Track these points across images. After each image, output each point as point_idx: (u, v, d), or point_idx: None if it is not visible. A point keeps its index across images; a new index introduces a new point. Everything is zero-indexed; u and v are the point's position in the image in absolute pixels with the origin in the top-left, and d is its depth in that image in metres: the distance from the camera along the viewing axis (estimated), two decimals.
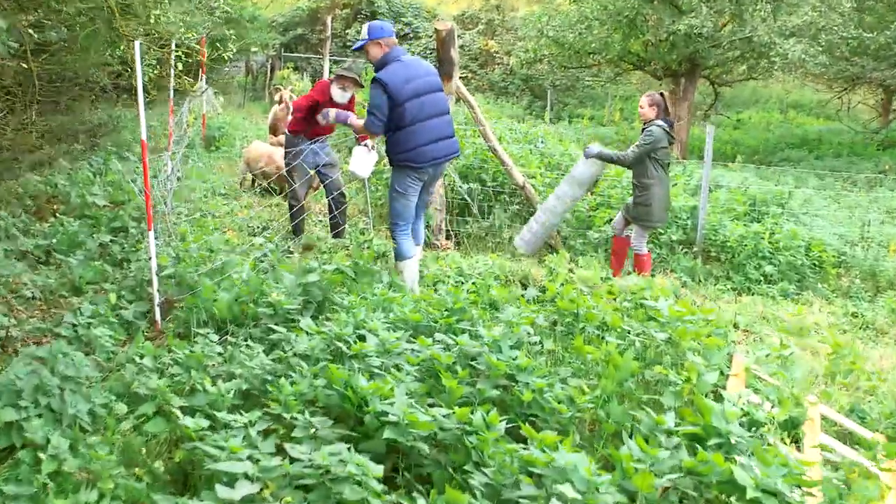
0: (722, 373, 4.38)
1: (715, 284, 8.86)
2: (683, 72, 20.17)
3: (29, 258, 7.04)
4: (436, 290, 6.63)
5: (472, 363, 3.91)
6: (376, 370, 3.80)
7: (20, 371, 3.79)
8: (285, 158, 8.26)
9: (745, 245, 9.24)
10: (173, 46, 9.13)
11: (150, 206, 5.48)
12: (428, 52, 31.97)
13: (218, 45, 14.75)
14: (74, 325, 5.14)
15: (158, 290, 5.59)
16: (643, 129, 8.06)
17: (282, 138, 12.16)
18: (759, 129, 27.80)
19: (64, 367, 3.90)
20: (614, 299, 5.24)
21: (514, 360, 3.80)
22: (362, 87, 8.39)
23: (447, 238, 8.87)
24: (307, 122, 8.09)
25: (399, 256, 6.49)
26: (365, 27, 6.47)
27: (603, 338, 4.39)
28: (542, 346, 4.20)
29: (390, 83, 6.13)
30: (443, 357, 3.84)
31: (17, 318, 5.76)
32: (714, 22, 17.59)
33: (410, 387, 3.61)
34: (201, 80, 13.28)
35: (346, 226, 8.56)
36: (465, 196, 9.35)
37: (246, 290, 5.38)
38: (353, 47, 7.65)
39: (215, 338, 4.66)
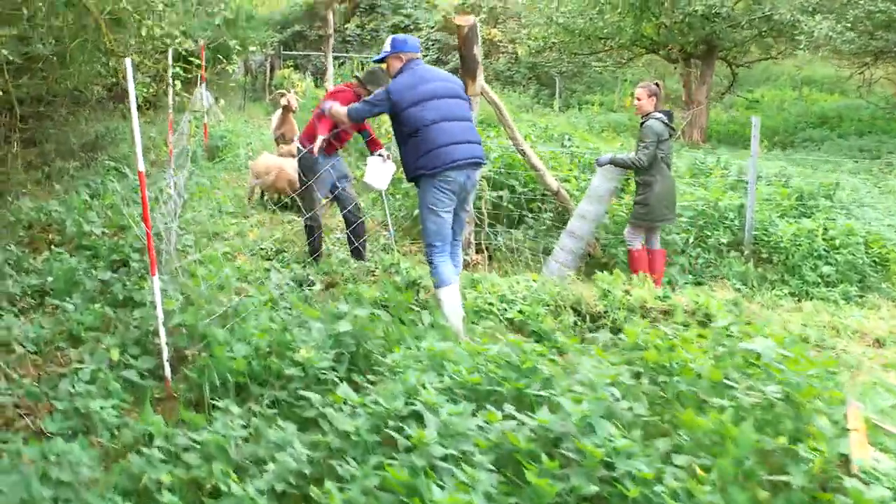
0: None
1: (771, 290, 8.12)
2: (699, 54, 19.39)
3: (22, 301, 6.34)
4: (478, 322, 5.94)
5: (558, 446, 3.18)
6: (441, 462, 3.07)
7: (3, 479, 3.08)
8: (301, 174, 7.53)
9: (799, 244, 8.49)
10: (170, 60, 8.43)
11: (152, 249, 4.76)
12: (430, 42, 31.20)
13: (219, 54, 14.04)
14: (72, 393, 4.43)
15: (167, 343, 4.87)
16: (641, 124, 7.59)
17: (291, 148, 11.45)
18: (773, 108, 26.97)
19: (58, 471, 3.18)
20: (700, 335, 4.49)
21: (610, 441, 3.08)
22: None
23: (477, 252, 8.14)
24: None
25: (438, 283, 5.79)
26: (389, 39, 6.08)
27: (702, 398, 3.65)
28: (635, 413, 3.46)
29: (393, 87, 5.82)
30: (521, 440, 3.12)
31: (9, 377, 5.06)
32: (733, 1, 16.77)
33: (488, 488, 2.88)
34: (200, 86, 12.54)
35: (367, 242, 7.85)
36: (492, 205, 8.61)
37: (266, 339, 4.67)
38: (373, 58, 6.96)
39: (236, 409, 3.95)
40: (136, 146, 4.69)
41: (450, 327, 5.34)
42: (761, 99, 28.92)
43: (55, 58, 8.22)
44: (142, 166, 4.69)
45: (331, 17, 18.10)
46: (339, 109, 6.21)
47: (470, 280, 6.63)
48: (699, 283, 8.18)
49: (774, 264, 8.59)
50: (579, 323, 6.03)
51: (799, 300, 8.01)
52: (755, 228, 8.77)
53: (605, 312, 6.04)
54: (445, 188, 5.72)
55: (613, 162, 7.72)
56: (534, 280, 7.01)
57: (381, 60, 6.10)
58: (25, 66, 8.01)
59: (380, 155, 7.34)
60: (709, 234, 8.64)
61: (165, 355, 4.86)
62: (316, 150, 6.94)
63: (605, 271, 8.26)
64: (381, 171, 6.81)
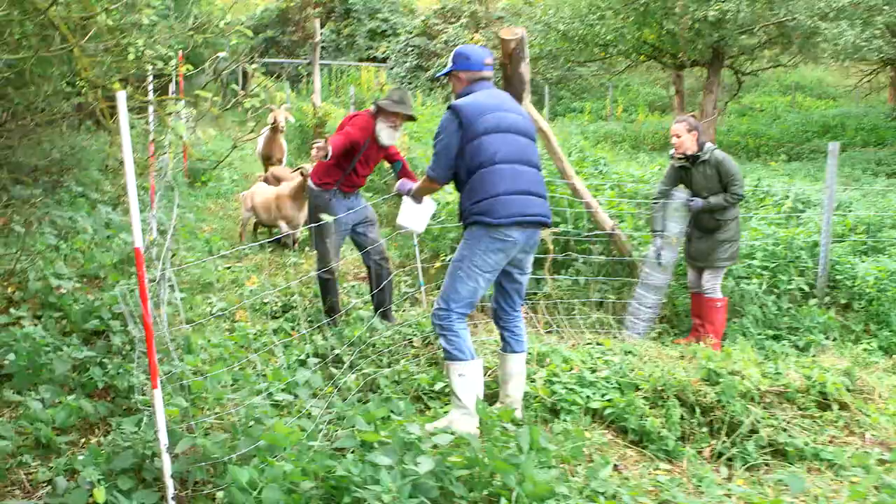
0: None
1: (855, 343, 6.97)
2: (705, 61, 18.31)
3: None
4: (556, 417, 4.72)
5: None
6: None
7: None
8: (312, 216, 6.28)
9: (884, 289, 7.35)
10: (150, 78, 7.12)
11: (154, 356, 3.45)
12: (409, 49, 29.92)
13: (189, 63, 12.62)
14: None
15: (172, 475, 3.58)
16: (700, 160, 6.70)
17: (282, 171, 10.13)
18: (768, 116, 26.06)
19: None
20: None
21: None
22: (415, 119, 6.38)
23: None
24: (341, 170, 6.12)
25: (454, 355, 4.50)
26: (451, 53, 4.84)
27: None
28: None
29: (464, 109, 4.57)
30: None
31: None
32: (749, 6, 15.67)
33: None
34: (179, 103, 11.15)
35: (392, 298, 6.59)
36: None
37: (310, 482, 3.40)
38: (437, 73, 5.72)
39: None
40: (132, 213, 3.39)
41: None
42: (753, 106, 28.06)
43: (10, 74, 6.87)
44: (140, 241, 3.39)
45: (317, 23, 16.72)
46: (422, 183, 4.99)
47: (536, 354, 5.40)
48: (776, 337, 7.03)
49: (856, 311, 7.44)
50: (686, 417, 4.80)
51: (890, 356, 6.87)
52: (828, 269, 7.62)
53: (719, 401, 4.82)
54: (500, 247, 4.46)
55: (711, 206, 6.69)
56: (607, 347, 5.80)
57: (445, 76, 4.86)
58: None
59: None
60: (782, 277, 7.45)
61: (170, 492, 3.57)
62: (313, 155, 5.72)
63: (668, 326, 7.19)
64: (418, 209, 5.49)
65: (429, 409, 4.90)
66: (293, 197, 8.57)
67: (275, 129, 11.04)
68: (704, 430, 4.79)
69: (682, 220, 6.78)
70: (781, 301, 7.35)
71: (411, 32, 30.25)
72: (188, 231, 8.58)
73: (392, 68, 28.98)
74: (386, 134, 6.10)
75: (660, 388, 4.89)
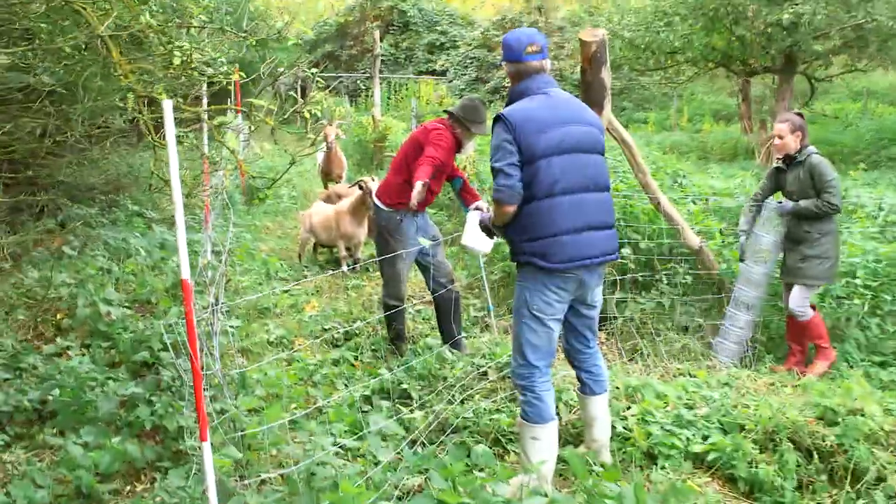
0: None
1: None
2: (777, 68, 17.52)
3: (12, 425, 4.63)
4: (654, 463, 4.17)
5: None
6: None
7: None
8: (383, 240, 5.80)
9: None
10: (204, 89, 6.74)
11: (203, 409, 2.99)
12: (468, 61, 29.52)
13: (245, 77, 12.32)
14: None
15: None
16: (796, 161, 6.09)
17: (340, 188, 9.73)
18: (839, 123, 25.01)
19: None
20: None
21: None
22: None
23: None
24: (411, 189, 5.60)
25: (535, 417, 3.92)
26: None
27: None
28: None
29: (517, 123, 3.80)
30: None
31: None
32: (825, 8, 14.90)
33: None
34: (237, 117, 10.82)
35: (462, 323, 6.08)
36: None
37: None
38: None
39: None
40: (179, 237, 2.95)
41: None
42: (821, 113, 27.01)
43: (63, 89, 6.53)
44: (186, 271, 2.94)
45: (376, 35, 16.37)
46: (494, 210, 4.06)
47: (626, 387, 4.84)
48: (883, 364, 6.35)
49: None
50: (803, 463, 4.20)
51: None
52: None
53: (840, 445, 4.21)
54: (562, 289, 3.86)
55: (797, 211, 6.07)
56: (702, 379, 5.22)
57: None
58: (25, 99, 6.34)
59: (478, 209, 5.58)
60: (886, 297, 6.76)
61: None
62: (415, 199, 5.14)
63: (764, 350, 6.56)
64: (481, 229, 4.97)
65: (507, 452, 4.38)
66: (353, 213, 8.14)
67: (330, 148, 10.70)
68: (823, 478, 4.18)
69: (775, 231, 6.17)
70: (886, 323, 6.67)
71: (470, 45, 29.89)
72: (245, 252, 8.18)
73: (451, 81, 28.61)
74: (470, 146, 5.66)
75: (770, 430, 4.30)
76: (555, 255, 3.76)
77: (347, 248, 8.40)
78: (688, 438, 4.33)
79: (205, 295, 5.85)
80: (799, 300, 6.11)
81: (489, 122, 4.50)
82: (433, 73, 29.50)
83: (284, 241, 9.71)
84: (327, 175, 11.31)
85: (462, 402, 4.88)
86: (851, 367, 6.23)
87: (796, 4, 15.06)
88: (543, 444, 3.92)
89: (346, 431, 4.39)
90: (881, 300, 6.75)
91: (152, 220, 9.79)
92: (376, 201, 5.82)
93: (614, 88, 27.01)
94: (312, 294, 7.45)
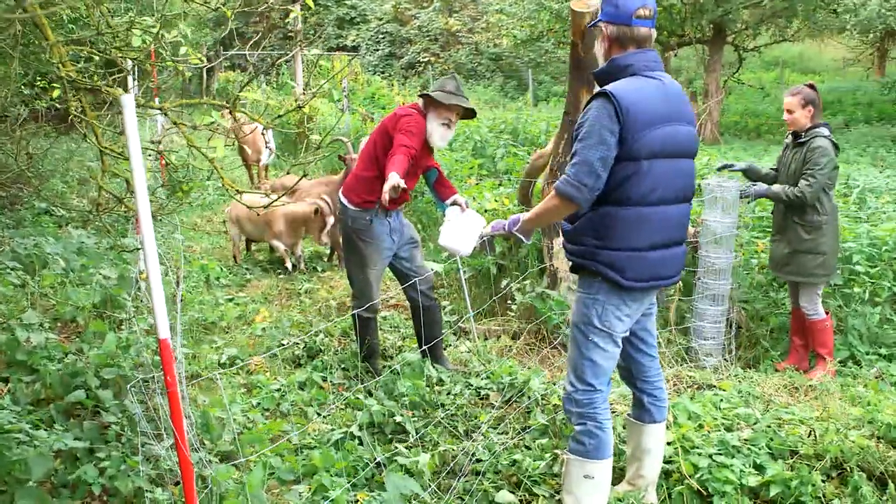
0: None
1: None
2: (706, 39, 17.26)
3: None
4: (705, 498, 3.57)
5: None
6: None
7: None
8: (350, 243, 5.03)
9: None
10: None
11: (193, 493, 2.23)
12: (380, 36, 28.62)
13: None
14: None
15: None
16: (798, 141, 5.49)
17: (290, 180, 8.88)
18: (756, 93, 25.10)
19: None
20: None
21: None
22: (474, 115, 5.11)
23: None
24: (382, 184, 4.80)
25: (590, 451, 3.27)
26: None
27: None
28: None
29: (628, 105, 3.01)
30: None
31: None
32: None
33: None
34: (155, 101, 9.81)
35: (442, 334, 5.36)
36: None
37: None
38: (589, 23, 4.39)
39: None
40: (150, 264, 2.17)
41: None
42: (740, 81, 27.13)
43: None
44: (165, 332, 2.17)
45: (297, 8, 15.33)
46: (546, 204, 3.23)
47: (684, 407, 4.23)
48: (889, 358, 5.93)
49: None
50: (876, 493, 3.64)
51: None
52: None
53: None
54: (637, 302, 3.26)
55: (768, 196, 5.58)
56: (723, 390, 4.66)
57: (594, 26, 3.35)
58: None
59: (455, 203, 4.89)
60: (884, 283, 6.33)
61: None
62: (386, 193, 4.33)
63: (763, 349, 6.06)
64: (462, 227, 4.23)
65: (536, 498, 3.70)
66: (289, 223, 7.47)
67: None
68: None
69: (727, 209, 5.66)
70: (886, 311, 6.24)
71: (382, 19, 28.99)
72: (178, 255, 7.27)
73: (364, 56, 27.71)
74: (439, 135, 4.86)
75: (835, 456, 3.73)
76: (631, 271, 3.13)
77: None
78: (741, 470, 3.73)
79: (145, 317, 5.02)
80: (806, 300, 5.63)
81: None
82: (344, 48, 28.51)
83: (216, 238, 8.82)
84: (244, 160, 10.67)
85: (467, 433, 4.20)
86: (859, 362, 5.80)
87: None
88: (599, 485, 3.29)
89: (337, 475, 3.65)
90: (879, 287, 6.32)
91: (63, 218, 8.79)
92: (342, 199, 5.04)
93: (532, 62, 26.63)
94: (261, 302, 6.62)
